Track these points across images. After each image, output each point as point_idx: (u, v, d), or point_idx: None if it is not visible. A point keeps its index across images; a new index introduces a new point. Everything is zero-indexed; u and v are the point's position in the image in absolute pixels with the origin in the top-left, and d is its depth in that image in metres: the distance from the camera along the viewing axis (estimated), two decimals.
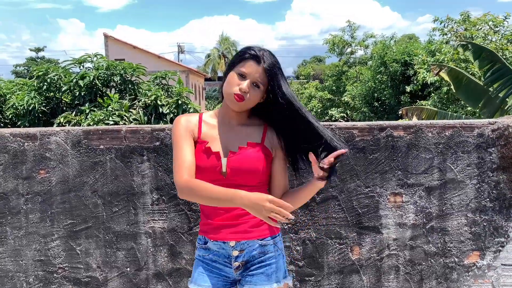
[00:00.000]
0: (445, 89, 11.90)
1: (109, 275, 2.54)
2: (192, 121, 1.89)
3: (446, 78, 7.47)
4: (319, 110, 21.31)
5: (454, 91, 7.49)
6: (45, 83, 8.08)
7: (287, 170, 1.98)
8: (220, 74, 47.96)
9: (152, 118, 7.79)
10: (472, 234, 2.54)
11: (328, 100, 21.49)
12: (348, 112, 20.65)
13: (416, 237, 2.54)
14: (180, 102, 8.02)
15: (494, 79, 6.61)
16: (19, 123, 8.07)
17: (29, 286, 2.54)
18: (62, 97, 8.20)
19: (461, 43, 7.27)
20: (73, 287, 2.54)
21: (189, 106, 8.33)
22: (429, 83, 12.49)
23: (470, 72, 9.65)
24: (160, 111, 7.82)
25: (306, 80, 25.84)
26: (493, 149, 2.50)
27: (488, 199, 2.52)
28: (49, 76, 8.06)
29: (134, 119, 7.49)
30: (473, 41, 7.90)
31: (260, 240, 1.89)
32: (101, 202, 2.50)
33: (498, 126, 2.49)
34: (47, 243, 2.53)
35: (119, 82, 8.13)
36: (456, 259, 2.56)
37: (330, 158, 1.77)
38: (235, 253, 1.88)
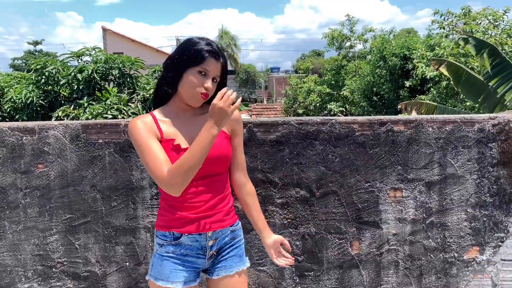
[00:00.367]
0: (444, 83, 11.87)
1: (108, 270, 2.54)
2: (148, 122, 1.87)
3: (446, 73, 7.45)
4: (318, 104, 21.25)
5: (453, 85, 7.47)
6: (43, 77, 8.04)
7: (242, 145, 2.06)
8: None
9: None
10: (472, 229, 2.54)
11: (327, 94, 21.42)
12: (347, 106, 20.60)
13: (415, 232, 2.53)
14: None
15: (494, 73, 6.60)
16: (17, 116, 8.04)
17: (27, 281, 2.54)
18: (60, 91, 8.16)
19: (462, 36, 7.24)
20: (72, 281, 2.54)
21: None
22: (428, 77, 12.46)
23: (469, 67, 9.63)
24: None
25: (305, 74, 25.73)
26: (493, 144, 2.49)
27: (488, 194, 2.51)
28: (47, 69, 8.02)
29: (133, 113, 7.45)
30: (473, 36, 7.87)
31: (231, 227, 1.98)
32: (100, 197, 2.49)
33: (498, 121, 2.48)
34: (46, 237, 2.52)
35: (117, 75, 8.09)
36: (456, 254, 2.55)
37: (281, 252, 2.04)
38: (211, 242, 1.92)
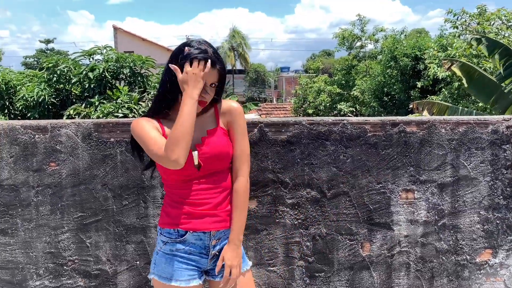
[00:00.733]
0: (456, 84, 11.76)
1: (119, 268, 2.55)
2: (152, 121, 1.92)
3: (458, 72, 7.38)
4: (328, 104, 21.16)
5: (465, 86, 7.40)
6: (55, 75, 8.10)
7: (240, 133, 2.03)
8: (229, 67, 47.93)
9: None
10: (485, 232, 2.51)
11: (337, 94, 21.33)
12: (357, 106, 20.50)
13: (427, 234, 2.51)
14: None
15: (506, 74, 6.53)
16: (29, 114, 8.11)
17: (39, 278, 2.55)
18: (72, 89, 8.22)
19: (475, 36, 7.17)
20: (83, 279, 2.55)
21: None
22: (440, 78, 12.35)
23: (482, 68, 9.53)
24: None
25: (315, 74, 25.67)
26: (507, 146, 2.46)
27: (501, 197, 2.48)
28: (59, 68, 8.08)
29: (143, 112, 7.49)
30: (486, 36, 7.79)
31: None
32: (111, 195, 2.50)
33: None
34: (57, 235, 2.53)
35: (128, 74, 8.13)
36: (468, 257, 2.53)
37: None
38: (214, 242, 1.94)
